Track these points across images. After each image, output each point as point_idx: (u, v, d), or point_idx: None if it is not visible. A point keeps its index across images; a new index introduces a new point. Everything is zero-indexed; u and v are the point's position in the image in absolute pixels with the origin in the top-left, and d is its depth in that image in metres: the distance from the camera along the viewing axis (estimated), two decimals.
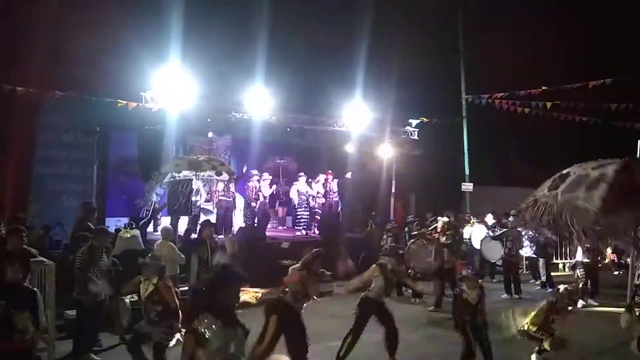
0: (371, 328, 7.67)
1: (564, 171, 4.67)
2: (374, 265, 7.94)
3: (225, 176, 12.51)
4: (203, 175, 12.36)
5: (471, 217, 16.50)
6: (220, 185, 13.78)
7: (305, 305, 6.75)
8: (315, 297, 6.88)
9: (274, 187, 15.86)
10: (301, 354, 6.46)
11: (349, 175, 16.68)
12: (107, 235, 7.98)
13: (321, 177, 16.18)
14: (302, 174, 16.20)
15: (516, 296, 12.44)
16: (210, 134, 15.30)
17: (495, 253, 13.36)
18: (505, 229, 13.33)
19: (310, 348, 6.74)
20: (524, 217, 5.30)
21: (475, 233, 15.04)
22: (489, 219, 15.97)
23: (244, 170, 16.08)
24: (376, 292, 7.71)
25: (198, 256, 8.45)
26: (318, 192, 16.01)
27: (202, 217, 13.86)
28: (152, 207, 12.68)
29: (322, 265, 7.16)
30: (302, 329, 6.59)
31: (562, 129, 19.11)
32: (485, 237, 14.03)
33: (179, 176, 12.15)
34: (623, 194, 4.25)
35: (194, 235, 11.22)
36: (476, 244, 14.93)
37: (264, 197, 15.05)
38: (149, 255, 6.96)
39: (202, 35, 14.39)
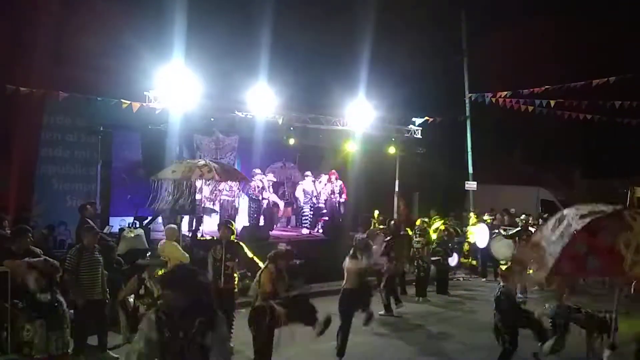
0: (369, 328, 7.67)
1: (564, 211, 4.82)
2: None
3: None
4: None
5: (473, 215, 16.53)
6: (223, 184, 13.79)
7: (278, 301, 6.60)
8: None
9: (280, 188, 15.87)
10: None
11: (343, 197, 16.58)
12: (94, 235, 7.98)
13: (324, 177, 16.20)
14: (308, 173, 16.21)
15: (520, 296, 12.39)
16: (219, 135, 15.28)
17: (506, 251, 13.24)
18: (518, 229, 13.21)
19: (310, 348, 6.77)
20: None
21: (477, 232, 15.02)
22: (487, 217, 16.00)
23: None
24: (351, 282, 7.74)
25: (212, 256, 8.42)
26: (321, 192, 16.03)
27: (205, 217, 13.91)
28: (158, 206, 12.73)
29: (287, 264, 6.99)
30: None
31: (566, 127, 19.09)
32: (496, 235, 13.94)
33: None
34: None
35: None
36: (479, 244, 14.92)
37: (267, 197, 15.05)
38: (149, 255, 6.98)
39: (205, 34, 14.40)
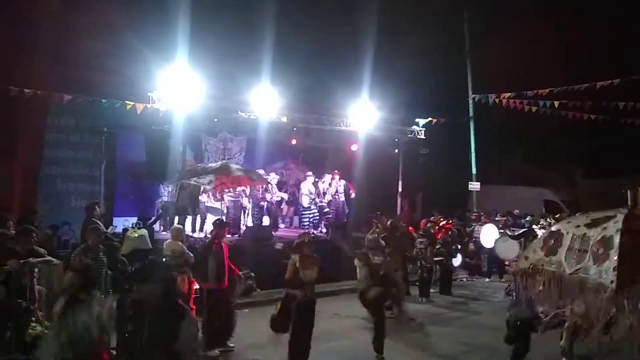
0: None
1: (553, 229, 4.43)
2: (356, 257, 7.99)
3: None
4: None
5: (481, 216, 16.53)
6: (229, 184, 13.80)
7: (307, 292, 6.71)
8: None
9: (284, 187, 15.87)
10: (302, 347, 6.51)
11: (352, 193, 16.66)
12: (99, 236, 8.01)
13: (327, 177, 16.22)
14: (310, 173, 16.23)
15: None
16: (227, 135, 15.30)
17: (511, 252, 13.22)
18: (525, 229, 13.20)
19: (313, 347, 6.76)
20: (521, 282, 5.03)
21: (484, 232, 15.00)
22: (499, 218, 16.02)
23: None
24: (361, 282, 7.68)
25: (213, 257, 8.44)
26: (324, 192, 16.05)
27: (210, 217, 13.93)
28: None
29: (314, 251, 7.03)
30: (307, 320, 6.66)
31: (569, 128, 19.05)
32: (502, 235, 13.91)
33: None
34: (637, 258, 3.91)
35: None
36: (486, 243, 14.90)
37: (271, 197, 15.07)
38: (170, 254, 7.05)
39: (208, 35, 14.42)
